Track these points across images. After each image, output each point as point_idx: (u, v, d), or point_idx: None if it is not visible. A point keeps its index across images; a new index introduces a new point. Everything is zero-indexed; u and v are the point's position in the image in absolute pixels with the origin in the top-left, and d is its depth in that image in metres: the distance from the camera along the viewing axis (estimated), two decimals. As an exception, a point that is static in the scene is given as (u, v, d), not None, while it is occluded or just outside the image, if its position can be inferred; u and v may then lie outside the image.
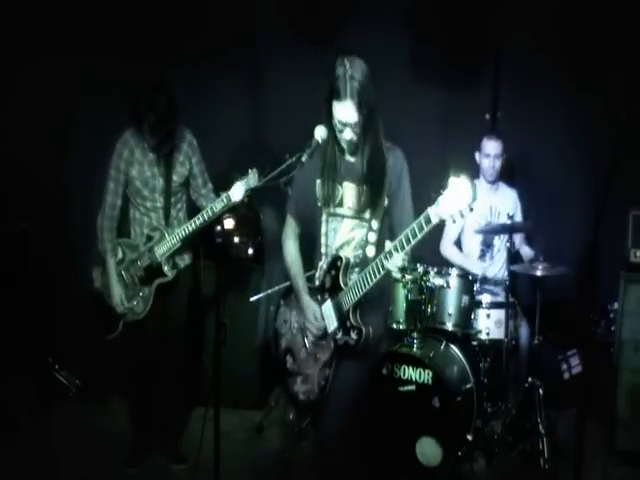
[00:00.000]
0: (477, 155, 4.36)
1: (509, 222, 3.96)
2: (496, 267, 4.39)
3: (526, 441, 3.89)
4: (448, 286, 3.91)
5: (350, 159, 2.79)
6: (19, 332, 4.32)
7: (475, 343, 4.06)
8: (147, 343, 3.77)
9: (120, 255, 3.73)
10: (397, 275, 2.63)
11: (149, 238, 3.69)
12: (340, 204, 2.80)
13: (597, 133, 4.36)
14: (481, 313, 4.07)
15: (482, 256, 4.39)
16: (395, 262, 2.51)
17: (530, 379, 3.99)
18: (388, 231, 2.79)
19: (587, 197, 4.32)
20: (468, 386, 3.82)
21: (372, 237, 2.78)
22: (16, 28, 4.61)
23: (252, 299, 4.24)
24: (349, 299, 2.73)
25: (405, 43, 4.78)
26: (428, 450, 3.64)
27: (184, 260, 3.82)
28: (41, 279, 4.49)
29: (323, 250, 2.87)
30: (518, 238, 4.37)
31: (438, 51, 4.76)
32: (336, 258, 2.81)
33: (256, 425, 4.28)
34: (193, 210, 3.81)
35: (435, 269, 3.94)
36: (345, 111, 2.62)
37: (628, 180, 3.42)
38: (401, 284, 3.83)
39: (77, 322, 4.77)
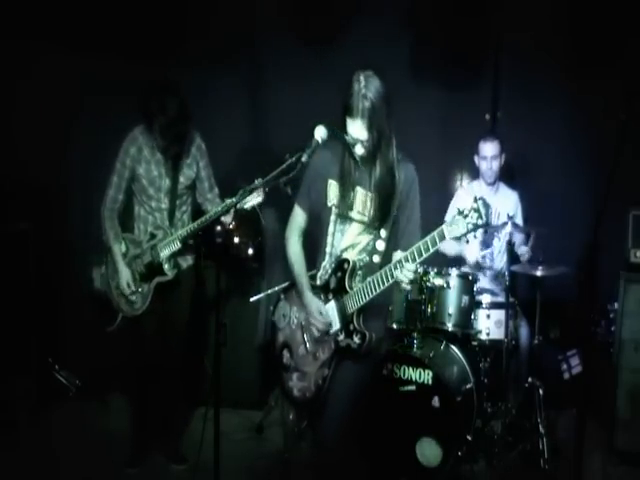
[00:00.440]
0: (475, 158, 4.37)
1: (509, 222, 3.96)
2: (496, 268, 4.40)
3: (526, 441, 3.89)
4: (448, 286, 3.91)
5: (363, 166, 2.80)
6: (19, 332, 4.32)
7: (475, 343, 4.06)
8: (147, 343, 3.77)
9: (124, 249, 3.73)
10: (406, 287, 2.68)
11: (152, 236, 3.69)
12: (350, 208, 2.81)
13: (597, 133, 4.36)
14: (481, 313, 4.07)
15: (482, 257, 4.39)
16: (406, 274, 2.56)
17: (530, 379, 3.99)
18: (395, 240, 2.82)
19: (587, 197, 4.32)
20: (468, 386, 3.82)
21: (380, 245, 2.80)
22: (16, 28, 4.61)
23: (252, 299, 4.24)
24: (354, 303, 2.74)
25: (405, 43, 4.78)
26: (428, 450, 3.64)
27: (186, 260, 3.82)
28: (41, 279, 4.48)
29: (328, 250, 2.88)
30: (517, 239, 4.37)
31: (438, 51, 4.76)
32: (343, 260, 2.82)
33: (256, 425, 4.28)
34: (198, 213, 3.82)
35: (435, 269, 3.94)
36: (356, 129, 2.64)
37: (628, 180, 3.42)
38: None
39: (77, 322, 4.77)
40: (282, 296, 3.10)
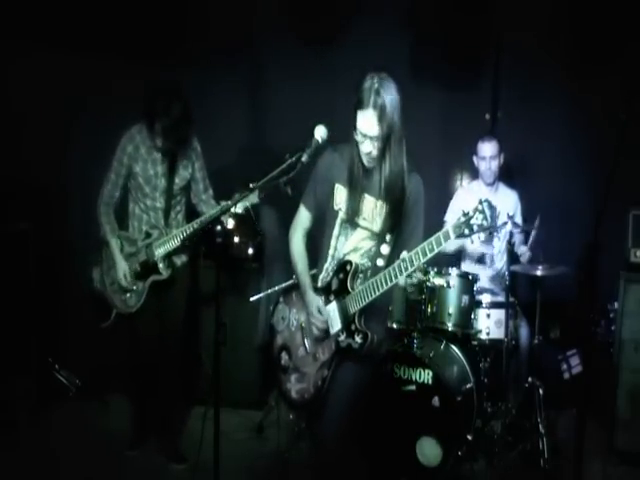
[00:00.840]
0: (474, 158, 4.37)
1: (508, 222, 3.96)
2: (496, 268, 4.40)
3: (526, 441, 3.89)
4: (448, 286, 3.91)
5: (371, 173, 2.78)
6: (19, 332, 4.32)
7: (475, 343, 4.06)
8: (143, 341, 3.82)
9: (119, 246, 3.77)
10: (410, 289, 2.68)
11: (148, 235, 3.73)
12: (358, 215, 2.81)
13: (597, 133, 4.36)
14: (481, 313, 4.07)
15: (482, 258, 4.39)
16: (409, 278, 2.56)
17: (530, 379, 3.99)
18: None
19: (587, 197, 4.32)
20: (468, 386, 3.82)
21: (385, 249, 2.80)
22: (16, 28, 4.61)
23: (252, 299, 4.24)
24: (356, 303, 2.74)
25: (405, 43, 4.78)
26: (428, 450, 3.64)
27: (181, 258, 3.85)
28: (41, 279, 4.48)
29: (331, 252, 2.88)
30: (517, 239, 4.37)
31: (438, 51, 4.75)
32: (346, 262, 2.82)
33: (256, 425, 4.28)
34: (192, 214, 3.87)
35: (435, 269, 3.94)
36: (366, 121, 2.62)
37: (628, 180, 3.42)
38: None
39: (77, 322, 4.77)
40: (281, 299, 3.10)
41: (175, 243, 3.64)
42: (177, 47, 4.80)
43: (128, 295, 3.74)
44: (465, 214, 2.39)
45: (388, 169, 2.71)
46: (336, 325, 2.81)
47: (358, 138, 2.68)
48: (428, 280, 3.86)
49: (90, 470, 3.70)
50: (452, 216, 4.32)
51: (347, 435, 2.87)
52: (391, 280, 2.62)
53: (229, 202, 3.42)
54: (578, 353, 4.34)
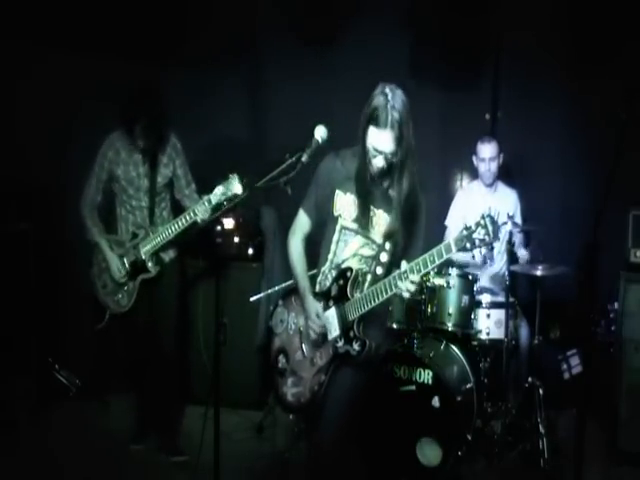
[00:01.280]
0: (474, 159, 4.37)
1: (508, 222, 3.97)
2: (496, 268, 4.40)
3: (526, 441, 3.89)
4: (448, 286, 3.91)
5: (377, 183, 2.76)
6: (19, 332, 4.32)
7: (475, 343, 4.06)
8: (137, 338, 3.90)
9: (109, 247, 3.84)
10: (406, 295, 2.63)
11: (134, 235, 3.80)
12: (366, 228, 2.79)
13: (597, 133, 4.36)
14: (481, 313, 4.07)
15: (482, 258, 4.39)
16: (409, 286, 2.54)
17: (530, 379, 3.98)
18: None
19: (587, 197, 4.32)
20: (468, 386, 3.82)
21: (384, 257, 2.78)
22: (16, 29, 4.60)
23: (252, 299, 4.24)
24: (355, 310, 2.73)
25: (405, 43, 4.78)
26: (428, 450, 3.64)
27: (168, 254, 3.91)
28: (41, 279, 4.48)
29: (330, 257, 2.88)
30: (517, 239, 4.37)
31: (438, 51, 4.76)
32: (346, 269, 2.81)
33: (256, 425, 4.28)
34: (178, 209, 3.92)
35: (435, 269, 3.94)
36: (383, 140, 2.59)
37: (628, 180, 3.41)
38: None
39: (77, 322, 4.77)
40: (280, 302, 3.09)
41: (160, 240, 3.72)
42: (177, 47, 4.80)
43: (120, 296, 3.82)
44: (467, 228, 2.37)
45: (406, 179, 2.67)
46: (334, 331, 2.80)
47: (371, 152, 2.64)
48: (428, 280, 3.87)
49: (90, 470, 3.69)
50: (452, 222, 4.34)
51: (344, 439, 2.86)
52: (391, 289, 2.60)
53: (210, 195, 3.53)
54: (578, 353, 4.34)
